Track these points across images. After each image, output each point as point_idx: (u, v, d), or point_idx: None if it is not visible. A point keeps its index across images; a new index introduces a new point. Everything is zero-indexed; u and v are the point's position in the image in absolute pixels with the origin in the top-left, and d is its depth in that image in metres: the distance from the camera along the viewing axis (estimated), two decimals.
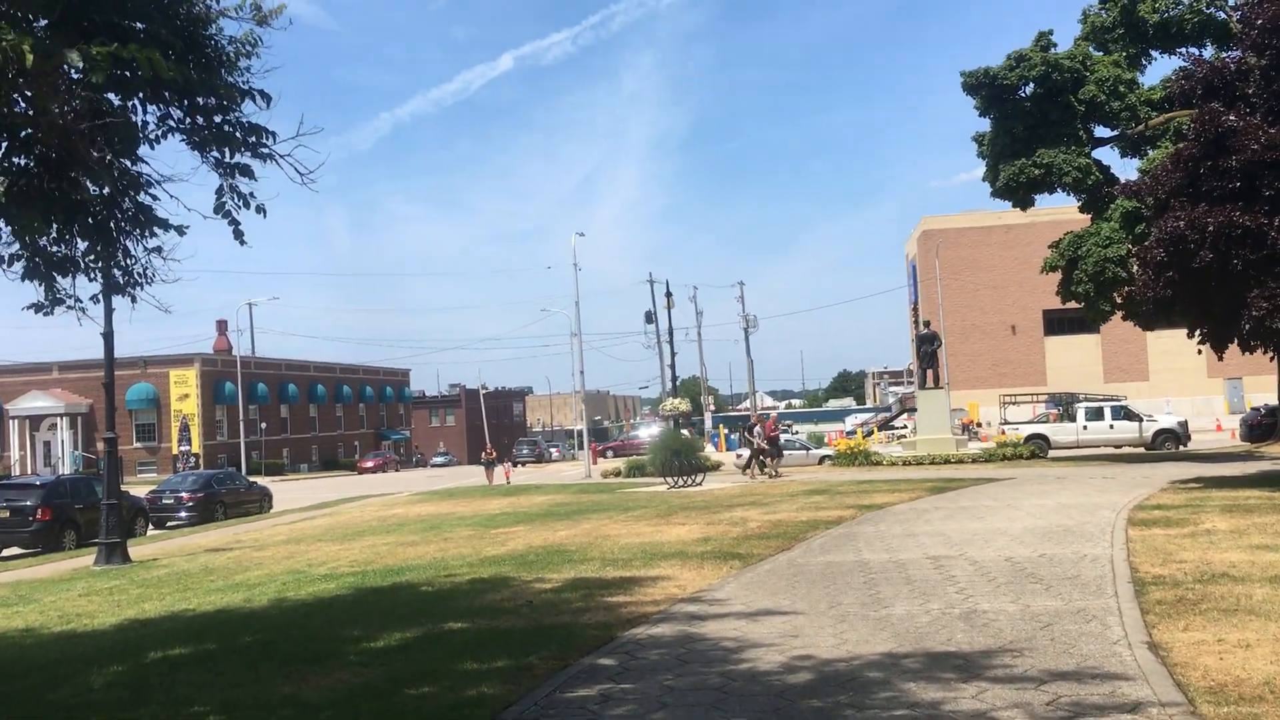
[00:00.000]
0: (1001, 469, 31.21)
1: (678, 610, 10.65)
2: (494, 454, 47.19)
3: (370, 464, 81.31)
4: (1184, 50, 35.31)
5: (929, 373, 36.88)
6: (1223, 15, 33.73)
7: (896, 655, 8.21)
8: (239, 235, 7.82)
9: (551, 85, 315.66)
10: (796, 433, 79.05)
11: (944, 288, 79.88)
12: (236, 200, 7.64)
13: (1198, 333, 21.77)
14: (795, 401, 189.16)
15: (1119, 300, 31.08)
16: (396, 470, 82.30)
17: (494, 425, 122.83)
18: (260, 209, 7.67)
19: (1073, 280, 31.75)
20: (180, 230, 8.50)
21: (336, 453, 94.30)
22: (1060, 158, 30.71)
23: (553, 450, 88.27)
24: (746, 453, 35.14)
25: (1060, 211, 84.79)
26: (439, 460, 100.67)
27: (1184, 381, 79.23)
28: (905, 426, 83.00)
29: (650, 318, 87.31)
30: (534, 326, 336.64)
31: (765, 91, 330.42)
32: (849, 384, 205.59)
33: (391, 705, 7.62)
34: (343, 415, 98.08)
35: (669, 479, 31.52)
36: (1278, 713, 6.17)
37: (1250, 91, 19.80)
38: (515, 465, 63.84)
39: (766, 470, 33.46)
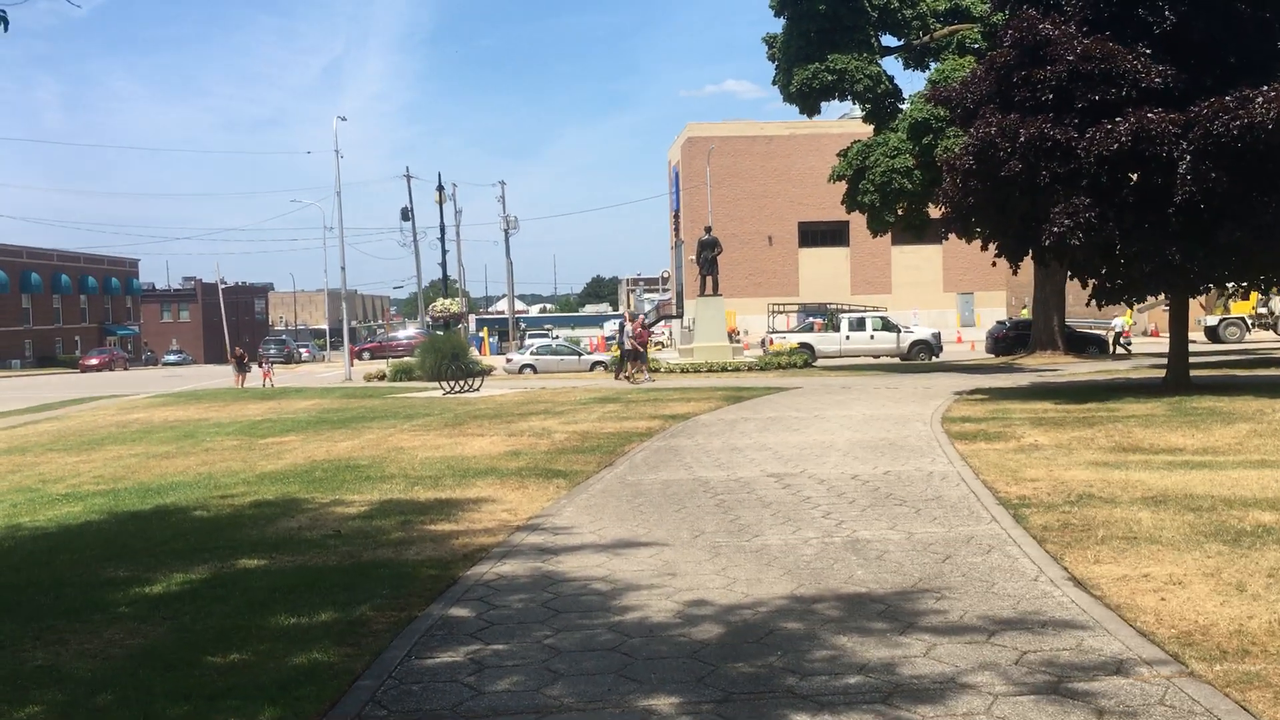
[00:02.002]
0: (783, 378, 31.16)
1: (520, 542, 9.23)
2: (245, 355, 43.59)
3: (95, 361, 74.47)
4: None
5: (709, 279, 36.31)
6: None
7: (804, 599, 7.11)
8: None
9: None
10: (556, 337, 78.37)
11: (705, 196, 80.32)
12: None
13: (993, 244, 21.83)
14: (549, 306, 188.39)
15: (900, 212, 31.35)
16: (125, 369, 75.91)
17: (234, 323, 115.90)
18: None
19: (859, 190, 31.75)
20: None
21: (54, 348, 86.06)
22: (853, 64, 30.35)
23: (302, 350, 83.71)
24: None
25: (819, 125, 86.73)
26: (172, 359, 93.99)
27: (922, 295, 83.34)
28: (664, 334, 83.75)
29: (406, 214, 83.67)
30: (276, 220, 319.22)
31: None
32: (602, 290, 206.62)
33: (195, 681, 5.86)
34: (61, 307, 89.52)
35: (445, 384, 29.72)
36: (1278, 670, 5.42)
37: (1064, 1, 19.64)
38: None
39: (626, 374, 31.61)
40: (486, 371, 33.25)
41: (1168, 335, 22.35)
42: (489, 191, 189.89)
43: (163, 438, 19.96)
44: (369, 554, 8.95)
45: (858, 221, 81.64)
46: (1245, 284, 22.17)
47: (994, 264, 22.81)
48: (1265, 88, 17.59)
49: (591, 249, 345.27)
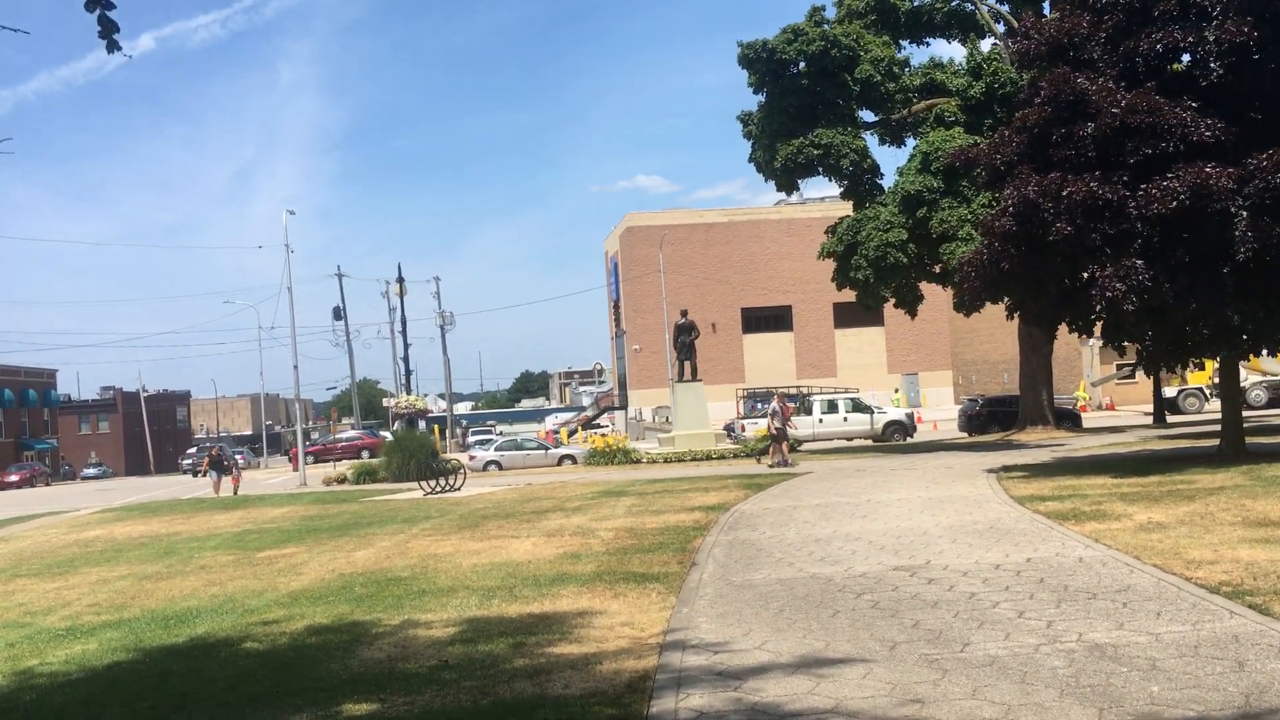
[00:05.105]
0: None
1: (681, 664, 7.57)
2: (221, 456, 40.40)
3: (15, 478, 70.24)
4: (929, 41, 35.71)
5: (687, 364, 34.97)
6: (971, 7, 34.11)
7: None
8: (108, 30, 4.06)
9: (199, 71, 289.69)
10: (500, 433, 76.35)
11: (647, 285, 79.68)
12: None
13: (1018, 312, 20.83)
14: (477, 404, 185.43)
15: (894, 287, 30.50)
16: (47, 484, 71.82)
17: (155, 432, 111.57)
18: None
19: (851, 266, 30.83)
20: None
21: None
22: (838, 139, 29.68)
23: (237, 457, 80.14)
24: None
25: (757, 211, 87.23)
26: (91, 472, 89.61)
27: (867, 377, 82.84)
28: (607, 426, 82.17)
29: (339, 313, 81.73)
30: (194, 325, 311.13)
31: (427, 90, 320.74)
32: (532, 385, 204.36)
33: None
34: None
35: (425, 484, 27.79)
36: None
37: (1096, 55, 18.96)
38: (198, 474, 56.96)
39: (768, 458, 28.85)
40: (461, 469, 31.32)
41: (1125, 408, 21.40)
42: (410, 290, 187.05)
43: (140, 556, 17.80)
44: (505, 689, 7.24)
45: (800, 306, 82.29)
46: None
47: (1030, 334, 21.84)
48: None
49: (515, 345, 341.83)
